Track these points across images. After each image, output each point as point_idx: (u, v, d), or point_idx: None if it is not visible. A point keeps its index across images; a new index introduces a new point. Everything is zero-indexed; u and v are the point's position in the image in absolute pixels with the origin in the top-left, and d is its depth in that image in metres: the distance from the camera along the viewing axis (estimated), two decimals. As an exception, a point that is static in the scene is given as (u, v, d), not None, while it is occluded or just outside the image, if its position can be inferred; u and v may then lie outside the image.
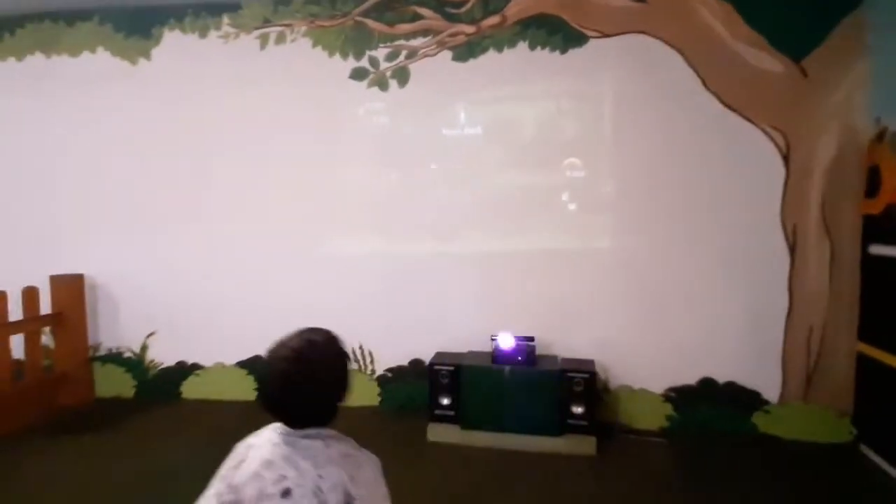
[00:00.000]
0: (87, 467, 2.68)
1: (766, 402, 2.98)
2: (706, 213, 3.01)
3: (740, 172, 2.95)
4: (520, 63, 3.15)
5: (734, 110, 2.91)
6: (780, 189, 2.91)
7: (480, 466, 2.65)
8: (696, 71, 2.93)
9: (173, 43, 3.53)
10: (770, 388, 2.98)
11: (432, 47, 3.24)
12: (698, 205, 3.02)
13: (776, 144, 2.89)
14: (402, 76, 3.29)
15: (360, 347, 3.32)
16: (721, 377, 3.03)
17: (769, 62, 2.85)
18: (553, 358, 3.04)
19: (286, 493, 0.96)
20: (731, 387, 3.02)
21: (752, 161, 2.93)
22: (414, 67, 3.28)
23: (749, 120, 2.91)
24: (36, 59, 3.69)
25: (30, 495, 2.42)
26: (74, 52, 3.64)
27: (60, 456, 2.81)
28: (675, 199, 3.04)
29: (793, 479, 2.55)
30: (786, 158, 2.89)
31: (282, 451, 1.00)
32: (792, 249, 2.91)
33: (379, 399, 3.38)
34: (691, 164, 3.01)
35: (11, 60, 3.72)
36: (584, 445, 2.79)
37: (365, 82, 3.33)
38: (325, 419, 1.06)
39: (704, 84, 2.94)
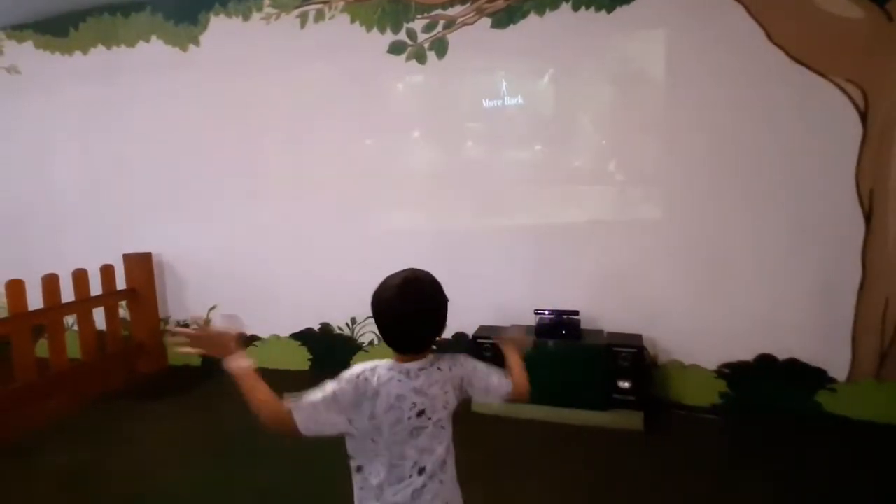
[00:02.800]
0: (159, 427, 2.97)
1: (833, 381, 2.79)
2: (771, 177, 2.78)
3: (810, 132, 2.69)
4: (563, 26, 2.99)
5: (804, 64, 2.64)
6: (855, 150, 2.63)
7: (524, 437, 2.68)
8: (759, 22, 2.67)
9: (219, 27, 3.63)
10: (837, 366, 2.78)
11: (471, 15, 3.14)
12: (762, 169, 2.79)
13: (852, 100, 2.60)
14: (441, 48, 3.22)
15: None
16: (781, 354, 2.86)
17: (846, 6, 2.54)
18: (599, 332, 2.97)
19: (420, 413, 1.18)
20: (793, 364, 2.84)
21: (825, 119, 2.65)
22: (452, 38, 3.20)
23: (821, 74, 2.62)
24: (99, 52, 3.93)
25: (111, 452, 2.70)
26: (131, 42, 3.84)
27: (138, 417, 3.11)
28: (736, 163, 2.83)
29: (862, 462, 2.39)
30: (863, 116, 2.60)
31: (410, 386, 1.18)
32: (867, 216, 2.65)
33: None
34: (755, 125, 2.77)
35: (78, 54, 3.98)
36: (631, 420, 2.75)
37: (403, 56, 3.30)
38: (424, 346, 1.22)
39: (769, 37, 2.67)
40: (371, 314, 1.20)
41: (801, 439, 2.61)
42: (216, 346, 1.19)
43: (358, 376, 1.17)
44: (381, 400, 1.15)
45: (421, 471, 1.17)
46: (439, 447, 1.19)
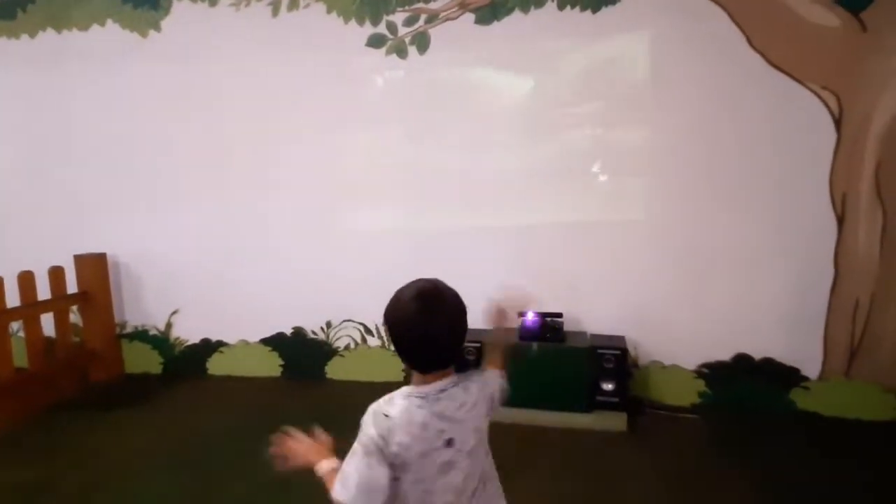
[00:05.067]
0: (118, 440, 2.74)
1: (806, 379, 2.87)
2: (747, 181, 2.83)
3: (787, 137, 2.75)
4: (548, 24, 2.95)
5: (782, 70, 2.69)
6: (829, 155, 2.70)
7: (509, 441, 2.61)
8: (741, 28, 2.71)
9: (183, 12, 3.40)
10: (810, 364, 2.86)
11: (454, 10, 3.06)
12: (739, 173, 2.83)
13: (828, 107, 2.68)
14: (422, 42, 3.13)
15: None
16: (757, 353, 2.92)
17: (823, 15, 2.61)
18: (582, 334, 2.96)
19: (450, 443, 1.04)
20: (769, 363, 2.90)
21: (801, 125, 2.72)
22: (434, 32, 3.11)
23: (798, 80, 2.69)
24: (48, 36, 3.61)
25: (66, 467, 2.47)
26: (84, 25, 3.54)
27: (93, 429, 2.87)
28: (714, 166, 2.86)
29: (833, 456, 2.47)
30: (837, 122, 2.68)
31: (430, 410, 1.04)
32: (840, 220, 2.74)
33: (403, 375, 3.36)
34: (733, 129, 2.81)
35: (25, 38, 3.65)
36: (614, 422, 2.74)
37: (383, 50, 3.18)
38: (449, 362, 1.09)
39: (750, 42, 2.71)
40: (388, 334, 1.09)
41: (777, 435, 2.66)
42: (313, 452, 1.12)
43: (374, 413, 1.04)
44: (401, 433, 1.01)
45: None
46: (472, 483, 1.07)
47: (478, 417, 1.10)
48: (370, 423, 1.03)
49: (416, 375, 1.08)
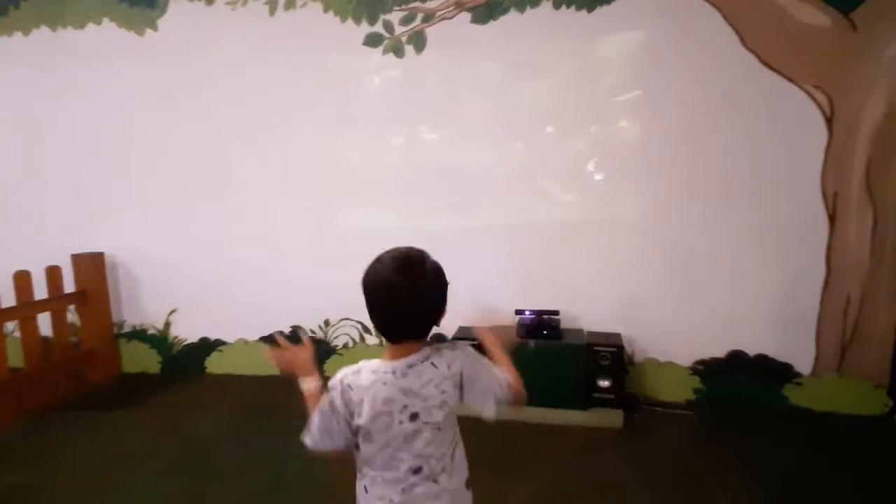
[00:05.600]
0: (116, 440, 2.74)
1: (798, 375, 2.91)
2: (740, 179, 2.86)
3: (779, 136, 2.79)
4: (543, 23, 2.97)
5: (774, 69, 2.73)
6: (821, 154, 2.74)
7: (506, 438, 2.64)
8: (734, 28, 2.74)
9: (180, 11, 3.40)
10: (802, 361, 2.90)
11: (450, 9, 3.07)
12: (731, 171, 2.87)
13: (819, 106, 2.71)
14: (419, 41, 3.14)
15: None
16: (751, 350, 2.96)
17: (814, 15, 2.64)
18: (579, 331, 2.98)
19: (414, 417, 1.06)
20: (762, 359, 2.94)
21: (793, 124, 2.75)
22: (431, 31, 3.12)
23: (790, 80, 2.72)
24: (42, 33, 3.60)
25: (62, 469, 2.47)
26: (79, 23, 3.53)
27: (90, 429, 2.87)
28: (707, 165, 2.90)
29: (825, 451, 2.51)
30: (829, 121, 2.71)
31: (399, 386, 1.06)
32: (831, 217, 2.77)
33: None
34: (726, 128, 2.84)
35: (18, 35, 3.63)
36: (610, 418, 2.77)
37: (380, 49, 3.19)
38: (425, 332, 1.10)
39: (743, 42, 2.74)
40: (364, 298, 1.09)
41: (770, 430, 2.71)
42: (297, 365, 1.20)
43: (341, 382, 1.09)
44: (367, 406, 1.06)
45: (416, 471, 1.07)
46: (438, 450, 1.09)
47: (445, 394, 1.08)
48: (335, 388, 1.09)
49: (388, 346, 1.11)
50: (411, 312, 1.07)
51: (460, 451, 1.16)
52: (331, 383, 1.11)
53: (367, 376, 1.08)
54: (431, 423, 1.07)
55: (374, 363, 1.10)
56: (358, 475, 1.14)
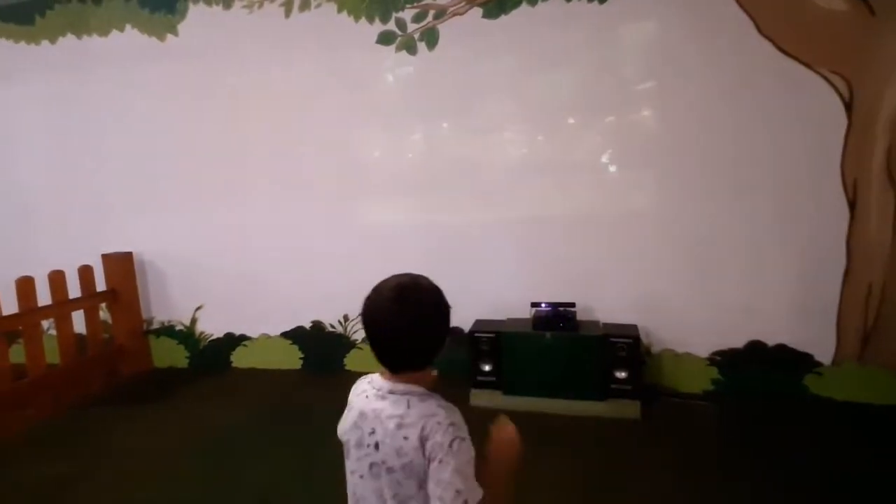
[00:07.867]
0: (148, 432, 2.86)
1: (819, 364, 2.88)
2: (757, 167, 2.83)
3: (797, 123, 2.75)
4: (555, 16, 2.97)
5: (791, 56, 2.69)
6: (840, 140, 2.70)
7: (524, 430, 2.68)
8: (749, 14, 2.71)
9: (198, 16, 3.49)
10: (823, 350, 2.87)
11: (461, 5, 3.10)
12: (749, 159, 2.84)
13: (838, 91, 2.67)
14: (431, 38, 3.17)
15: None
16: (770, 340, 2.93)
17: (831, 0, 2.60)
18: (595, 323, 3.00)
19: (377, 446, 1.00)
20: (781, 349, 2.92)
21: (811, 110, 2.71)
22: (443, 28, 3.15)
23: (807, 65, 2.68)
24: (68, 41, 3.73)
25: (99, 458, 2.60)
26: (104, 31, 3.65)
27: (123, 421, 3.00)
28: (725, 153, 2.87)
29: (846, 441, 2.49)
30: (848, 107, 2.67)
31: (372, 406, 1.03)
32: (852, 204, 2.73)
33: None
34: (743, 116, 2.82)
35: (45, 43, 3.77)
36: (628, 409, 2.78)
37: (393, 46, 3.23)
38: (418, 364, 1.03)
39: (758, 28, 2.71)
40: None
41: (790, 421, 2.69)
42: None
43: (354, 388, 1.11)
44: (351, 414, 1.06)
45: None
46: None
47: (407, 441, 0.96)
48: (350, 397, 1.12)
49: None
50: (401, 345, 1.02)
51: None
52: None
53: (360, 384, 1.10)
54: (387, 466, 0.97)
55: (375, 375, 1.08)
56: None
